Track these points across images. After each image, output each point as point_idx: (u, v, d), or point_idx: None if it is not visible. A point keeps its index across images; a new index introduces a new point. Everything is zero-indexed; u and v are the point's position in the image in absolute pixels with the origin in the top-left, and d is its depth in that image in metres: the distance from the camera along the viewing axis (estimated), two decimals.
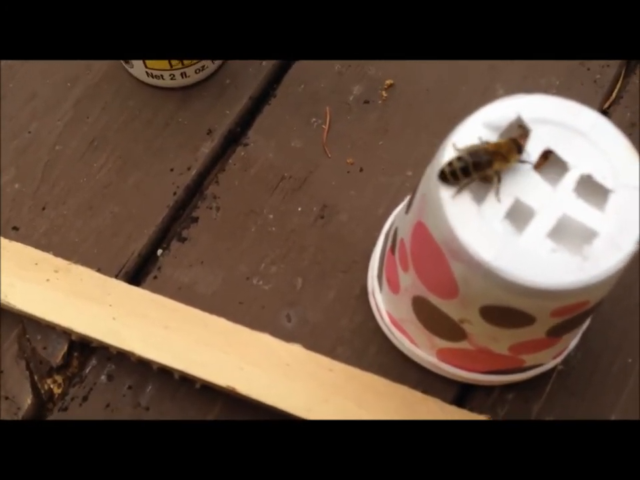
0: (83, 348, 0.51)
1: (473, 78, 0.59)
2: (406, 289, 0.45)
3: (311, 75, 0.59)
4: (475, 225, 0.37)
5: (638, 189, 0.38)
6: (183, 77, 0.57)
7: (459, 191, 0.38)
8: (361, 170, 0.56)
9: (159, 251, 0.54)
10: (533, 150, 0.39)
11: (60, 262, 0.52)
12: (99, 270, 0.52)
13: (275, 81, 0.59)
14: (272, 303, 0.52)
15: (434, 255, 0.40)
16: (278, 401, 0.47)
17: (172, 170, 0.56)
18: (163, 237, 0.54)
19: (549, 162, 0.39)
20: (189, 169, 0.56)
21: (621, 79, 0.59)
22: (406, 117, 0.58)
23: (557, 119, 0.39)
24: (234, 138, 0.57)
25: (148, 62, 0.55)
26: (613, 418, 0.49)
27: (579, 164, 0.38)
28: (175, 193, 0.55)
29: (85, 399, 0.50)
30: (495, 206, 0.38)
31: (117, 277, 0.52)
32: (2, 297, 0.50)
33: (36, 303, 0.50)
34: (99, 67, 0.59)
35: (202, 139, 0.57)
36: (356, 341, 0.51)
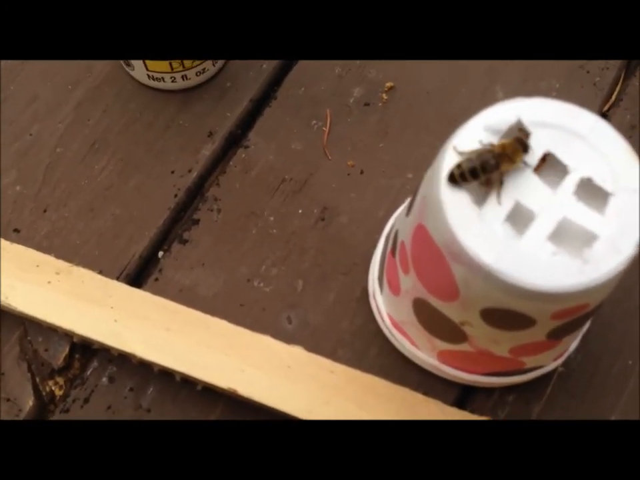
0: (85, 350, 0.51)
1: (472, 80, 0.59)
2: (406, 291, 0.45)
3: (311, 77, 0.59)
4: (475, 228, 0.38)
5: (638, 192, 0.38)
6: (183, 80, 0.57)
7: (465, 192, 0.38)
8: (362, 172, 0.56)
9: (160, 253, 0.54)
10: (533, 153, 0.39)
11: (61, 264, 0.52)
12: (100, 272, 0.52)
13: (275, 83, 0.60)
14: (273, 305, 0.52)
15: (434, 257, 0.40)
16: (279, 403, 0.47)
17: (173, 172, 0.56)
18: (164, 239, 0.55)
19: (549, 165, 0.39)
20: (189, 171, 0.56)
21: (620, 82, 0.60)
22: (406, 119, 0.58)
23: (556, 122, 0.39)
24: (235, 140, 0.58)
25: (149, 64, 0.55)
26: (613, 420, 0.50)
27: (578, 167, 0.39)
28: (175, 195, 0.55)
29: (86, 400, 0.50)
30: (496, 209, 0.38)
31: (118, 279, 0.53)
32: (3, 299, 0.50)
33: (37, 305, 0.50)
34: (100, 69, 0.59)
35: (203, 141, 0.57)
36: (357, 343, 0.51)
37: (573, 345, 0.49)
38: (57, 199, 0.55)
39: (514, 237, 0.38)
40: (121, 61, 0.58)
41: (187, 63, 0.56)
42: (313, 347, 0.50)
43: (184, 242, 0.54)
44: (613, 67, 0.60)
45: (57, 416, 0.50)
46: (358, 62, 0.60)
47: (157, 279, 0.53)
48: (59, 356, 0.51)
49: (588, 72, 0.59)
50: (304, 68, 0.60)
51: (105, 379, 0.50)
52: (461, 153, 0.39)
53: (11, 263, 0.51)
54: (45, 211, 0.55)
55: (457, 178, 0.38)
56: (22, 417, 0.50)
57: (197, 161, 0.56)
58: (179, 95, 0.58)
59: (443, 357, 0.47)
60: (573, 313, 0.39)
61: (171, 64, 0.55)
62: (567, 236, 0.38)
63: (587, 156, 0.39)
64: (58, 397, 0.50)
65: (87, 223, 0.54)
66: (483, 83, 0.59)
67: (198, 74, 0.57)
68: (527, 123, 0.39)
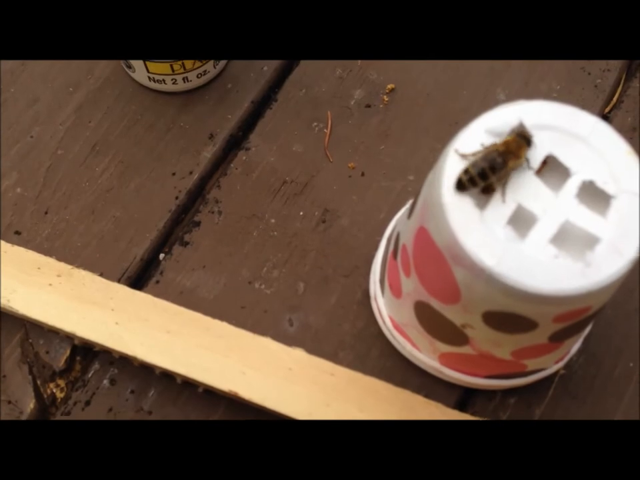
0: (86, 352, 0.51)
1: (473, 82, 0.59)
2: (408, 294, 0.45)
3: (312, 79, 0.59)
4: (477, 231, 0.38)
5: (639, 194, 0.38)
6: (184, 82, 0.57)
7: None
8: (363, 174, 0.56)
9: (161, 255, 0.54)
10: (534, 156, 0.39)
11: (62, 266, 0.52)
12: (101, 274, 0.52)
13: (276, 85, 0.60)
14: (274, 308, 0.52)
15: (436, 260, 0.40)
16: (280, 406, 0.47)
17: (174, 174, 0.56)
18: (165, 241, 0.55)
19: (551, 168, 0.39)
20: (190, 173, 0.56)
21: (621, 84, 0.60)
22: (407, 121, 0.58)
23: (557, 124, 0.39)
24: (235, 142, 0.58)
25: (150, 66, 0.55)
26: None
27: (580, 170, 0.39)
28: (177, 197, 0.55)
29: (87, 403, 0.50)
30: (498, 212, 0.38)
31: (119, 281, 0.53)
32: (5, 302, 0.50)
33: (38, 307, 0.50)
34: (101, 71, 0.59)
35: (204, 143, 0.57)
36: (358, 345, 0.51)
37: (575, 347, 0.49)
38: (57, 201, 0.55)
39: (516, 240, 0.37)
40: (122, 63, 0.58)
41: (188, 64, 0.56)
42: (314, 349, 0.50)
43: (185, 244, 0.54)
44: (613, 68, 0.60)
45: (58, 418, 0.50)
46: (359, 64, 0.60)
47: (157, 282, 0.53)
48: (60, 358, 0.51)
49: (589, 74, 0.59)
50: (305, 70, 0.60)
51: (106, 382, 0.50)
52: (463, 156, 0.39)
53: (12, 266, 0.51)
54: (45, 213, 0.55)
55: (465, 183, 0.38)
56: (23, 419, 0.49)
57: (197, 163, 0.56)
58: (179, 96, 0.58)
59: (445, 359, 0.47)
60: (575, 315, 0.39)
61: (171, 66, 0.55)
62: (568, 239, 0.38)
63: (589, 158, 0.39)
64: (59, 400, 0.50)
65: (88, 225, 0.54)
66: (484, 85, 0.59)
67: (199, 76, 0.57)
68: (529, 125, 0.39)
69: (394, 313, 0.49)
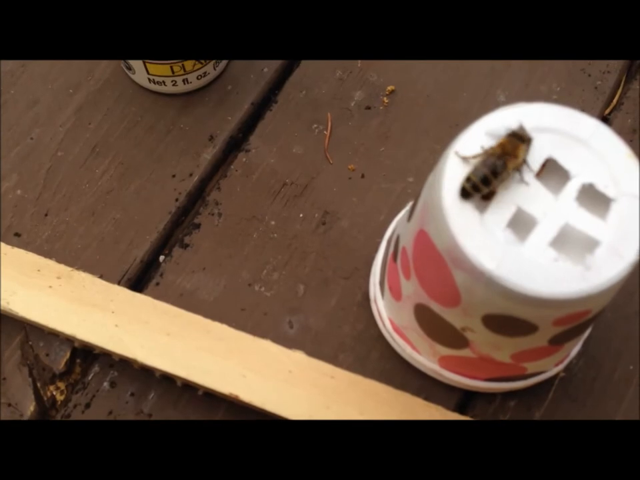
0: (86, 355, 0.51)
1: (473, 84, 0.59)
2: (408, 297, 0.45)
3: (312, 80, 0.59)
4: (477, 234, 0.37)
5: (639, 197, 0.38)
6: (184, 83, 0.57)
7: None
8: (363, 176, 0.56)
9: (161, 257, 0.54)
10: (535, 159, 0.39)
11: (62, 268, 0.52)
12: (101, 276, 0.52)
13: (276, 87, 0.59)
14: (274, 310, 0.52)
15: (436, 263, 0.40)
16: (280, 409, 0.47)
17: (174, 176, 0.56)
18: (165, 243, 0.55)
19: (550, 170, 0.39)
20: (190, 175, 0.56)
21: (621, 85, 0.60)
22: (407, 123, 0.58)
23: (557, 127, 0.39)
24: (236, 144, 0.58)
25: (150, 68, 0.55)
26: None
27: (580, 172, 0.39)
28: (176, 199, 0.55)
29: (87, 405, 0.50)
30: (498, 215, 0.38)
31: (119, 283, 0.53)
32: (5, 305, 0.50)
33: (38, 310, 0.50)
34: (101, 73, 0.59)
35: (204, 145, 0.57)
36: (358, 347, 0.51)
37: (575, 350, 0.49)
38: (57, 203, 0.55)
39: (515, 243, 0.37)
40: (122, 65, 0.58)
41: (188, 66, 0.56)
42: (314, 351, 0.50)
43: (185, 246, 0.54)
44: (614, 70, 0.59)
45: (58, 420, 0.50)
46: (359, 65, 0.60)
47: (157, 284, 0.53)
48: (60, 361, 0.51)
49: (589, 75, 0.59)
50: (305, 71, 0.60)
51: (106, 384, 0.50)
52: (463, 159, 0.39)
53: (12, 268, 0.51)
54: (45, 215, 0.55)
55: (469, 191, 0.38)
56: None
57: (197, 165, 0.56)
58: (180, 98, 0.58)
59: (444, 362, 0.47)
60: (575, 319, 0.39)
61: (171, 67, 0.55)
62: (568, 242, 0.38)
63: (589, 161, 0.39)
64: (59, 402, 0.50)
65: (88, 227, 0.54)
66: (484, 87, 0.59)
67: (199, 77, 0.57)
68: (529, 128, 0.39)
69: (394, 316, 0.49)
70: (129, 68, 0.57)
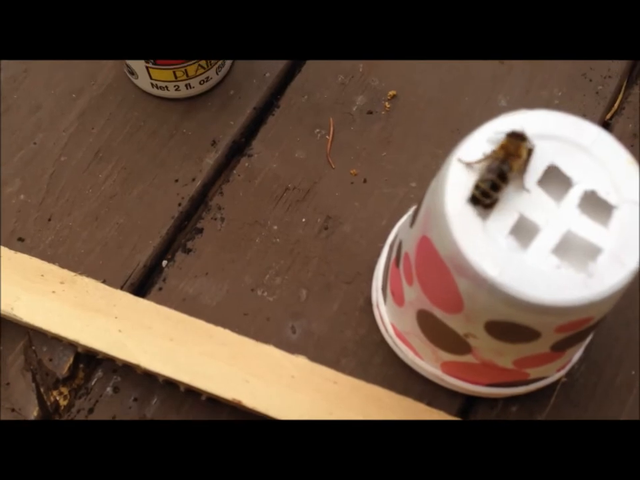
0: (89, 360, 0.51)
1: (475, 89, 0.59)
2: (410, 303, 0.45)
3: (314, 85, 0.60)
4: (479, 241, 0.38)
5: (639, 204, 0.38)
6: (187, 88, 0.57)
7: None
8: (365, 181, 0.56)
9: (164, 262, 0.54)
10: (537, 166, 0.39)
11: (66, 273, 0.52)
12: (104, 281, 0.52)
13: (278, 91, 0.60)
14: (276, 315, 0.52)
15: (439, 269, 0.40)
16: (283, 414, 0.47)
17: (176, 181, 0.56)
18: (168, 248, 0.55)
19: (553, 177, 0.39)
20: (193, 179, 0.56)
21: (622, 90, 0.60)
22: (409, 128, 0.58)
23: (559, 134, 0.40)
24: (238, 149, 0.58)
25: (152, 73, 0.56)
26: None
27: (582, 179, 0.39)
28: (179, 204, 0.56)
29: (90, 411, 0.50)
30: (500, 222, 0.38)
31: (122, 288, 0.53)
32: (8, 309, 0.50)
33: (42, 315, 0.50)
34: (104, 78, 0.59)
35: (206, 150, 0.57)
36: (360, 352, 0.52)
37: (577, 356, 0.49)
38: (61, 208, 0.55)
39: (518, 250, 0.38)
40: (125, 70, 0.58)
41: (191, 71, 0.56)
42: (317, 356, 0.50)
43: (187, 251, 0.54)
44: (615, 75, 0.60)
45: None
46: (361, 70, 0.60)
47: (160, 289, 0.53)
48: (64, 366, 0.51)
49: (590, 80, 0.59)
50: (307, 76, 0.60)
51: (109, 389, 0.50)
52: (467, 165, 0.39)
53: (16, 273, 0.51)
54: (49, 219, 0.55)
55: (479, 198, 0.38)
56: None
57: (200, 170, 0.57)
58: (182, 103, 0.58)
59: (447, 367, 0.47)
60: (577, 325, 0.40)
61: (174, 72, 0.56)
62: (571, 249, 0.38)
63: (591, 168, 0.39)
64: (62, 407, 0.50)
65: (91, 232, 0.54)
66: (486, 92, 0.59)
67: (201, 82, 0.57)
68: (531, 135, 0.39)
69: (396, 321, 0.49)
70: (132, 73, 0.57)
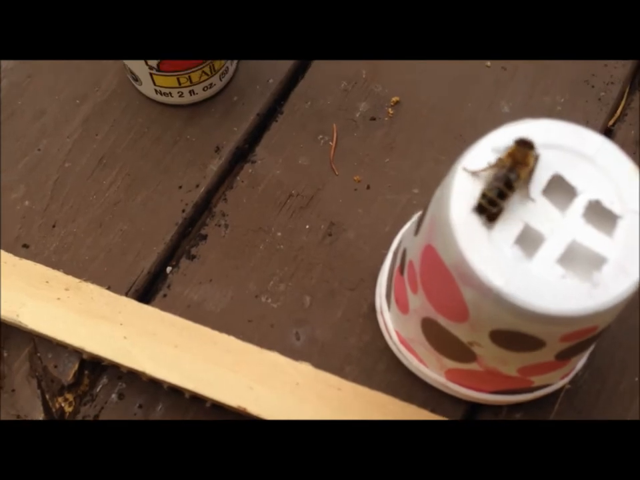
0: (94, 366, 0.51)
1: (477, 95, 0.60)
2: (415, 310, 0.46)
3: (317, 91, 0.60)
4: (485, 251, 0.38)
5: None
6: (191, 95, 0.58)
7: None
8: (368, 187, 0.57)
9: (168, 269, 0.54)
10: (541, 175, 0.39)
11: (70, 280, 0.52)
12: (108, 288, 0.52)
13: (281, 97, 0.60)
14: (280, 321, 0.53)
15: (444, 278, 0.40)
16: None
17: (180, 187, 0.56)
18: (172, 255, 0.55)
19: (557, 187, 0.39)
20: (197, 186, 0.56)
21: (625, 97, 0.60)
22: (412, 134, 0.58)
23: (564, 143, 0.40)
24: (242, 155, 0.58)
25: (156, 79, 0.56)
26: None
27: (586, 189, 0.39)
28: (183, 210, 0.56)
29: (96, 417, 0.50)
30: (505, 231, 0.38)
31: (126, 294, 0.53)
32: (14, 316, 0.50)
33: (47, 322, 0.50)
34: (107, 84, 0.59)
35: (210, 156, 0.57)
36: (364, 359, 0.52)
37: (581, 363, 0.49)
38: (65, 214, 0.55)
39: (523, 259, 0.38)
40: (129, 76, 0.58)
41: (194, 77, 0.56)
42: (321, 363, 0.50)
43: (192, 257, 0.54)
44: (617, 81, 0.60)
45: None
46: (364, 76, 0.60)
47: (165, 295, 0.53)
48: (69, 372, 0.51)
49: (593, 87, 0.60)
50: (310, 82, 0.60)
51: (114, 396, 0.51)
52: (473, 173, 0.39)
53: (21, 279, 0.52)
54: (53, 226, 0.55)
55: (485, 206, 0.38)
56: None
57: (204, 176, 0.57)
58: (186, 109, 0.59)
59: (451, 375, 0.48)
60: (582, 335, 0.40)
61: (178, 79, 0.56)
62: (576, 259, 0.38)
63: (595, 178, 0.39)
64: (68, 414, 0.50)
65: (96, 239, 0.55)
66: (488, 98, 0.59)
67: (205, 89, 0.58)
68: (535, 144, 0.39)
69: (400, 328, 0.49)
70: (136, 79, 0.57)
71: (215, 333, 0.51)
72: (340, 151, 0.58)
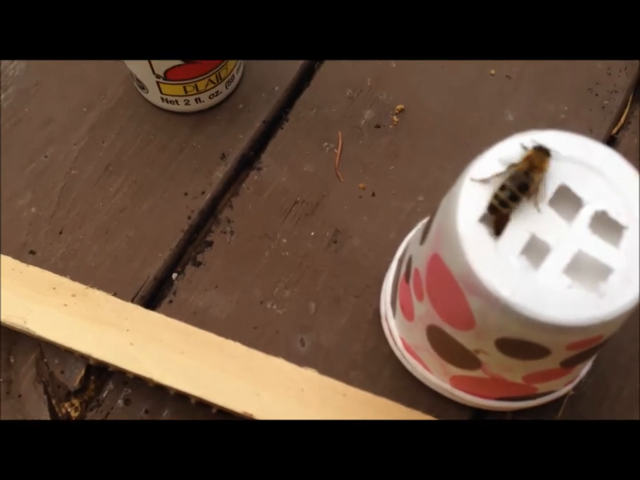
0: (100, 372, 0.52)
1: (482, 103, 0.60)
2: (420, 318, 0.46)
3: (322, 99, 0.60)
4: (491, 260, 0.38)
5: None
6: (197, 102, 0.58)
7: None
8: (373, 194, 0.57)
9: (174, 275, 0.54)
10: (548, 186, 0.39)
11: (77, 286, 0.52)
12: (115, 294, 0.53)
13: (287, 105, 0.60)
14: (286, 328, 0.53)
15: (450, 287, 0.40)
16: None
17: (186, 194, 0.57)
18: (178, 261, 0.55)
19: (564, 198, 0.40)
20: (203, 193, 0.57)
21: (628, 105, 0.60)
22: (417, 142, 0.59)
23: (570, 154, 0.40)
24: (247, 162, 0.58)
25: (163, 87, 0.56)
26: None
27: (593, 200, 0.39)
28: (189, 217, 0.56)
29: None
30: (512, 241, 0.39)
31: (132, 301, 0.53)
32: (21, 322, 0.50)
33: (54, 328, 0.50)
34: (114, 92, 0.59)
35: (216, 164, 0.58)
36: (369, 365, 0.52)
37: (585, 370, 0.50)
38: (72, 221, 0.56)
39: (530, 269, 0.38)
40: (135, 84, 0.58)
41: (201, 85, 0.56)
42: (326, 369, 0.51)
43: (197, 264, 0.55)
44: (621, 90, 0.60)
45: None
46: (369, 84, 0.61)
47: (171, 301, 0.54)
48: (75, 378, 0.51)
49: (596, 95, 0.60)
50: (315, 90, 0.60)
51: (120, 401, 0.51)
52: (483, 181, 0.39)
53: (28, 286, 0.52)
54: (60, 232, 0.55)
55: (497, 208, 0.38)
56: None
57: (210, 183, 0.57)
58: (192, 117, 0.59)
59: (456, 381, 0.48)
60: (588, 344, 0.40)
61: (184, 87, 0.56)
62: (582, 269, 0.38)
63: (601, 189, 0.39)
64: (74, 419, 0.51)
65: (102, 245, 0.55)
66: (493, 106, 0.60)
67: (211, 96, 0.58)
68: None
69: (405, 335, 0.50)
70: (142, 87, 0.57)
71: (222, 340, 0.51)
72: (345, 158, 0.58)
